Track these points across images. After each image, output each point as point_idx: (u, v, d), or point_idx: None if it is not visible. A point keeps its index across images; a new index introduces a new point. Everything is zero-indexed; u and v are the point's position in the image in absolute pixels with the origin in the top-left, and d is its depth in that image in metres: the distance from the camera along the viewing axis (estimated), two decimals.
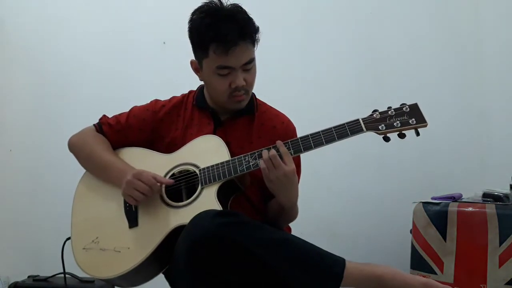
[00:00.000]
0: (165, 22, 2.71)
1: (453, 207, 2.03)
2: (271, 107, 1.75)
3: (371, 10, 2.66)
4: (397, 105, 1.45)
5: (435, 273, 2.03)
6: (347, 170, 2.62)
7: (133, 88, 2.69)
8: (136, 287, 1.59)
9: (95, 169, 1.67)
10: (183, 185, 1.56)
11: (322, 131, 1.45)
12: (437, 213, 2.05)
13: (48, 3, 2.86)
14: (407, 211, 2.18)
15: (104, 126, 1.70)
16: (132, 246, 1.50)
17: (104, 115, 1.75)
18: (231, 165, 1.50)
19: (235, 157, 1.51)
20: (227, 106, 1.63)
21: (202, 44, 1.53)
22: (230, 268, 1.34)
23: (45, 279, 2.33)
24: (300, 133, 1.62)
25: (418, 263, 2.10)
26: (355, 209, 2.60)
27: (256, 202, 1.64)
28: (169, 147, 1.64)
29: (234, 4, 1.57)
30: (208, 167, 1.52)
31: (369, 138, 1.51)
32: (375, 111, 1.45)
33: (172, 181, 1.54)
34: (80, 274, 1.63)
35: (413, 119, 1.41)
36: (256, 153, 1.49)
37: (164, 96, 1.75)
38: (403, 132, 1.42)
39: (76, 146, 1.72)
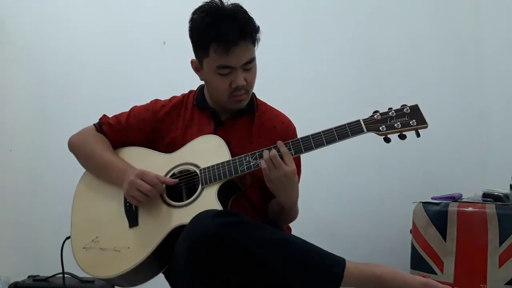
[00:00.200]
0: (165, 22, 2.71)
1: (453, 207, 2.03)
2: (271, 107, 1.75)
3: (371, 10, 2.66)
4: (398, 106, 1.45)
5: (435, 273, 2.03)
6: (347, 170, 2.63)
7: (133, 88, 2.69)
8: (136, 287, 1.59)
9: (96, 168, 1.67)
10: (183, 185, 1.56)
11: (323, 131, 1.45)
12: (437, 213, 2.06)
13: (48, 3, 2.85)
14: (407, 211, 2.19)
15: (104, 126, 1.70)
16: (132, 246, 1.51)
17: (104, 115, 1.75)
18: (231, 165, 1.50)
19: (236, 157, 1.51)
20: (228, 106, 1.63)
21: (202, 44, 1.54)
22: (230, 268, 1.35)
23: (45, 279, 2.33)
24: (300, 133, 1.62)
25: (418, 263, 2.10)
26: (355, 209, 2.60)
27: (256, 202, 1.64)
28: (169, 147, 1.64)
29: (234, 3, 1.57)
30: (208, 167, 1.52)
31: (369, 139, 1.51)
32: (375, 112, 1.45)
33: (176, 180, 1.54)
34: (80, 274, 1.63)
35: (414, 120, 1.41)
36: (257, 153, 1.49)
37: (164, 96, 1.75)
38: (403, 133, 1.42)
39: (76, 146, 1.72)
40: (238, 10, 1.55)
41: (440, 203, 2.07)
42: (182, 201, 1.52)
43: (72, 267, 1.68)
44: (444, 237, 2.03)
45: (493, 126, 2.53)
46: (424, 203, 2.11)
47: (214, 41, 1.50)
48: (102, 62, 2.79)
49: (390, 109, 1.45)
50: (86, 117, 1.78)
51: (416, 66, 2.61)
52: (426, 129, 1.42)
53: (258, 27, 1.56)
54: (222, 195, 1.49)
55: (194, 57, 1.63)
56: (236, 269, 1.35)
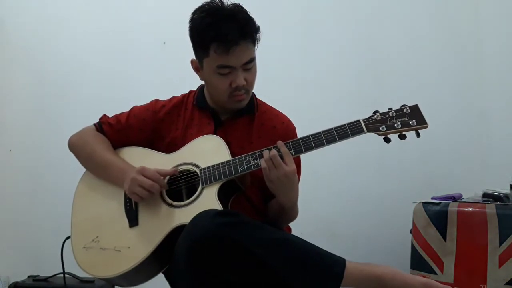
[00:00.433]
0: (165, 22, 2.71)
1: (453, 207, 2.03)
2: (271, 107, 1.75)
3: (371, 10, 2.66)
4: (398, 106, 1.45)
5: (435, 273, 2.03)
6: (347, 170, 2.63)
7: (133, 88, 2.69)
8: (136, 286, 1.59)
9: (96, 168, 1.67)
10: (183, 185, 1.56)
11: (323, 131, 1.46)
12: (437, 213, 2.06)
13: (48, 3, 2.85)
14: (407, 211, 2.19)
15: (105, 126, 1.70)
16: (133, 246, 1.51)
17: (104, 115, 1.75)
18: (231, 165, 1.50)
19: (236, 157, 1.51)
20: (228, 106, 1.63)
21: (202, 44, 1.54)
22: (230, 268, 1.35)
23: (45, 279, 2.33)
24: (300, 133, 1.62)
25: (418, 263, 2.10)
26: (355, 209, 2.60)
27: (256, 202, 1.64)
28: (169, 147, 1.64)
29: (234, 3, 1.57)
30: (208, 167, 1.52)
31: (369, 139, 1.51)
32: (375, 112, 1.45)
33: (176, 170, 1.54)
34: (80, 274, 1.63)
35: (414, 120, 1.41)
36: (257, 153, 1.49)
37: (164, 96, 1.75)
38: (403, 133, 1.42)
39: (76, 146, 1.72)
40: (238, 10, 1.55)
41: (440, 203, 2.07)
42: (182, 201, 1.52)
43: (72, 267, 1.68)
44: (444, 237, 2.03)
45: (493, 126, 2.53)
46: (424, 203, 2.11)
47: (214, 41, 1.50)
48: (102, 62, 2.79)
49: (390, 109, 1.45)
50: (86, 117, 1.78)
51: (416, 66, 2.61)
52: (426, 129, 1.42)
53: (258, 27, 1.56)
54: (222, 195, 1.49)
55: (194, 57, 1.63)
56: (236, 269, 1.35)
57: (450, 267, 2.01)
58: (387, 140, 1.44)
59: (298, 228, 1.72)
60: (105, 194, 1.63)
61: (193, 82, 1.71)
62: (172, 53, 2.67)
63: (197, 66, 1.63)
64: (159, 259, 1.49)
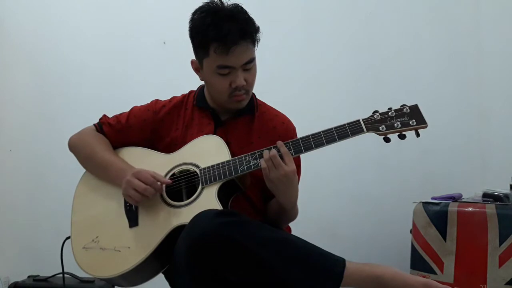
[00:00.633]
0: (165, 22, 2.71)
1: (453, 207, 2.03)
2: (271, 107, 1.75)
3: (371, 10, 2.66)
4: (397, 106, 1.45)
5: (435, 273, 2.03)
6: (347, 170, 2.63)
7: (133, 88, 2.69)
8: (136, 286, 1.59)
9: (96, 168, 1.67)
10: (183, 185, 1.56)
11: (323, 131, 1.46)
12: (437, 213, 2.06)
13: (48, 3, 2.85)
14: (407, 211, 2.19)
15: (105, 126, 1.70)
16: (132, 246, 1.50)
17: (104, 115, 1.75)
18: (231, 165, 1.50)
19: (236, 157, 1.51)
20: (227, 106, 1.63)
21: (202, 44, 1.54)
22: (230, 267, 1.34)
23: (45, 279, 2.33)
24: (300, 133, 1.62)
25: (418, 263, 2.10)
26: (355, 209, 2.60)
27: (256, 202, 1.64)
28: (169, 147, 1.64)
29: (234, 4, 1.57)
30: (208, 167, 1.52)
31: (369, 139, 1.51)
32: (375, 112, 1.45)
33: (170, 181, 1.54)
34: (80, 274, 1.63)
35: (414, 120, 1.41)
36: (257, 153, 1.49)
37: (164, 96, 1.75)
38: (403, 133, 1.42)
39: (76, 146, 1.72)
40: (238, 10, 1.55)
41: (440, 203, 2.07)
42: (182, 201, 1.52)
43: (72, 267, 1.68)
44: (444, 237, 2.03)
45: (493, 126, 2.53)
46: (424, 203, 2.12)
47: (214, 41, 1.50)
48: (102, 62, 2.79)
49: (390, 109, 1.45)
50: (86, 117, 1.79)
51: (416, 66, 2.61)
52: (425, 129, 1.42)
53: (258, 27, 1.56)
54: (222, 195, 1.49)
55: (194, 57, 1.63)
56: (236, 269, 1.35)
57: (450, 267, 2.01)
58: (387, 140, 1.44)
59: (298, 228, 1.71)
60: (105, 194, 1.63)
61: (193, 82, 1.71)
62: (172, 53, 2.67)
63: (197, 66, 1.63)
64: (159, 259, 1.49)
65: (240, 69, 1.54)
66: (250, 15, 1.56)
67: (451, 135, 2.54)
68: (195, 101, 1.70)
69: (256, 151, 1.50)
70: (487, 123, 2.54)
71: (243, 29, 1.50)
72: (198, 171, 1.54)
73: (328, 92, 2.65)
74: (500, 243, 1.92)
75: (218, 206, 1.45)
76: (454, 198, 2.10)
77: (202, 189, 1.51)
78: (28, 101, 2.86)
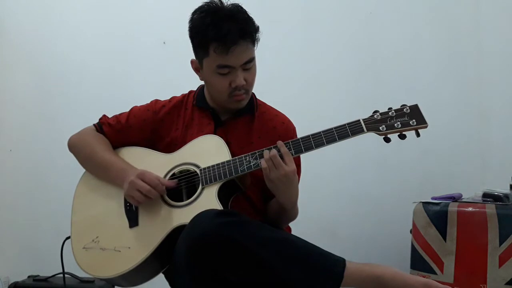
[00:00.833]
0: (165, 22, 2.71)
1: (453, 207, 2.03)
2: (271, 107, 1.75)
3: (371, 10, 2.66)
4: (398, 106, 1.45)
5: (435, 273, 2.03)
6: (347, 170, 2.63)
7: (133, 88, 2.69)
8: (136, 286, 1.59)
9: (96, 168, 1.67)
10: (183, 185, 1.56)
11: (323, 131, 1.46)
12: (437, 213, 2.06)
13: (48, 3, 2.85)
14: (407, 211, 2.19)
15: (104, 126, 1.70)
16: (133, 246, 1.51)
17: (104, 115, 1.74)
18: (231, 165, 1.50)
19: (236, 157, 1.51)
20: (227, 106, 1.63)
21: (202, 44, 1.54)
22: (230, 267, 1.34)
23: (45, 279, 2.33)
24: (300, 133, 1.62)
25: (418, 263, 2.10)
26: (355, 209, 2.60)
27: (256, 202, 1.64)
28: (169, 147, 1.64)
29: (234, 3, 1.57)
30: (208, 167, 1.52)
31: (369, 139, 1.51)
32: (375, 112, 1.45)
33: (175, 182, 1.54)
34: (80, 274, 1.63)
35: (414, 120, 1.41)
36: (257, 153, 1.49)
37: (164, 96, 1.75)
38: (403, 133, 1.42)
39: (76, 146, 1.72)
40: (238, 10, 1.55)
41: (440, 203, 2.07)
42: (182, 201, 1.52)
43: (72, 267, 1.68)
44: (444, 237, 2.03)
45: (493, 126, 2.53)
46: (424, 203, 2.12)
47: (214, 41, 1.50)
48: (102, 62, 2.79)
49: (390, 109, 1.45)
50: (86, 117, 1.79)
51: (416, 66, 2.61)
52: (426, 129, 1.42)
53: (258, 27, 1.56)
54: (222, 195, 1.49)
55: (194, 57, 1.63)
56: (236, 269, 1.35)
57: (450, 267, 2.01)
58: (387, 140, 1.44)
59: (299, 228, 1.71)
60: (105, 194, 1.63)
61: (193, 82, 1.71)
62: (172, 53, 2.67)
63: (197, 66, 1.63)
64: (159, 259, 1.49)
65: (239, 68, 1.54)
66: (250, 15, 1.56)
67: (451, 135, 2.54)
68: (195, 101, 1.70)
69: (256, 151, 1.50)
70: (487, 123, 2.54)
71: (242, 29, 1.50)
72: (198, 171, 1.54)
73: (328, 92, 2.65)
74: (500, 243, 1.92)
75: (218, 206, 1.45)
76: (454, 198, 2.10)
77: (202, 189, 1.51)
78: (28, 101, 2.86)
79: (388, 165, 2.59)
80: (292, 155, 1.46)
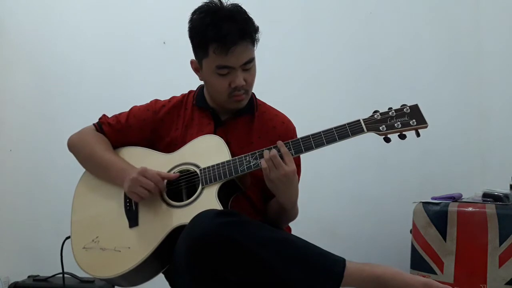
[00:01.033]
0: (165, 22, 2.71)
1: (453, 207, 2.03)
2: (271, 107, 1.75)
3: (371, 10, 2.66)
4: (398, 106, 1.45)
5: (435, 273, 2.03)
6: (347, 170, 2.63)
7: (133, 88, 2.69)
8: (136, 286, 1.59)
9: (96, 168, 1.67)
10: (183, 185, 1.56)
11: (323, 131, 1.45)
12: (437, 213, 2.06)
13: (48, 3, 2.85)
14: (407, 211, 2.19)
15: (104, 126, 1.70)
16: (133, 246, 1.51)
17: (104, 115, 1.75)
18: (231, 165, 1.50)
19: (236, 157, 1.51)
20: (227, 106, 1.63)
21: (202, 44, 1.54)
22: (230, 267, 1.34)
23: (45, 279, 2.33)
24: (300, 133, 1.62)
25: (418, 263, 2.10)
26: (355, 209, 2.60)
27: (256, 202, 1.64)
28: (169, 147, 1.64)
29: (234, 4, 1.57)
30: (208, 167, 1.52)
31: (370, 139, 1.51)
32: (375, 111, 1.45)
33: (177, 175, 1.54)
34: (80, 274, 1.63)
35: (414, 120, 1.41)
36: (257, 153, 1.49)
37: (164, 96, 1.75)
38: (403, 133, 1.42)
39: (76, 146, 1.72)
40: (238, 11, 1.55)
41: (440, 203, 2.07)
42: (182, 201, 1.52)
43: (72, 267, 1.68)
44: (444, 237, 2.03)
45: (493, 126, 2.53)
46: (424, 203, 2.12)
47: (213, 41, 1.50)
48: (102, 62, 2.79)
49: (390, 109, 1.45)
50: (86, 117, 1.78)
51: (416, 66, 2.61)
52: (426, 129, 1.42)
53: (258, 27, 1.56)
54: (222, 195, 1.49)
55: (193, 57, 1.63)
56: (236, 269, 1.35)
57: (450, 267, 2.01)
58: (387, 140, 1.44)
59: (298, 228, 1.71)
60: (105, 194, 1.63)
61: (193, 82, 1.71)
62: (172, 53, 2.67)
63: (197, 67, 1.63)
64: (159, 259, 1.49)
65: (239, 69, 1.54)
66: (250, 15, 1.56)
67: (451, 135, 2.54)
68: (194, 101, 1.70)
69: (256, 151, 1.50)
70: (487, 123, 2.54)
71: (242, 29, 1.50)
72: (198, 171, 1.54)
73: (328, 92, 2.65)
74: (500, 243, 1.92)
75: (218, 206, 1.45)
76: (454, 198, 2.10)
77: (202, 189, 1.51)
78: (28, 101, 2.86)
79: (388, 165, 2.59)
80: (292, 155, 1.46)
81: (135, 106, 1.73)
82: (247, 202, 1.62)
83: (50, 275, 2.32)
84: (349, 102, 2.59)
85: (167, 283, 1.60)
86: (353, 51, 2.66)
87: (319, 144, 1.45)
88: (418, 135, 1.43)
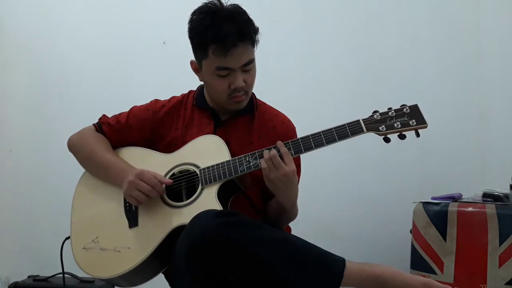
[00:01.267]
0: (165, 22, 2.71)
1: (453, 207, 2.03)
2: (270, 107, 1.75)
3: (371, 10, 2.66)
4: (397, 106, 1.45)
5: (435, 273, 2.03)
6: (347, 170, 2.63)
7: (133, 88, 2.69)
8: (136, 287, 1.59)
9: (96, 168, 1.67)
10: (183, 185, 1.56)
11: (323, 131, 1.45)
12: (437, 213, 2.06)
13: (48, 3, 2.85)
14: (407, 211, 2.19)
15: (104, 126, 1.70)
16: (132, 246, 1.50)
17: (104, 115, 1.74)
18: (231, 165, 1.50)
19: (236, 157, 1.51)
20: (227, 107, 1.63)
21: (201, 45, 1.53)
22: (230, 268, 1.34)
23: (45, 279, 2.33)
24: (300, 133, 1.62)
25: (418, 263, 2.10)
26: (355, 209, 2.60)
27: (256, 202, 1.64)
28: (169, 147, 1.64)
29: (234, 4, 1.56)
30: (208, 167, 1.52)
31: (369, 139, 1.51)
32: (375, 112, 1.45)
33: (171, 181, 1.54)
34: (80, 274, 1.63)
35: (414, 120, 1.41)
36: (257, 153, 1.49)
37: (164, 96, 1.75)
38: (403, 133, 1.42)
39: (76, 146, 1.72)
40: (237, 11, 1.54)
41: (440, 203, 2.07)
42: (182, 201, 1.52)
43: (72, 267, 1.68)
44: (444, 237, 2.03)
45: (493, 126, 2.53)
46: (424, 203, 2.12)
47: (212, 42, 1.49)
48: (102, 62, 2.79)
49: (389, 109, 1.45)
50: (86, 117, 1.78)
51: (416, 66, 2.61)
52: (425, 129, 1.42)
53: (257, 28, 1.55)
54: (222, 195, 1.49)
55: (193, 58, 1.62)
56: (236, 269, 1.35)
57: (450, 267, 2.01)
58: (387, 140, 1.44)
59: (298, 228, 1.71)
60: (104, 194, 1.63)
61: (193, 82, 1.71)
62: (172, 53, 2.67)
63: (197, 67, 1.62)
64: (159, 259, 1.49)
65: (239, 70, 1.53)
66: (250, 16, 1.55)
67: (451, 135, 2.54)
68: (194, 101, 1.70)
69: (256, 151, 1.49)
70: (487, 123, 2.54)
71: (242, 31, 1.50)
72: (198, 171, 1.54)
73: (328, 92, 2.65)
74: (500, 243, 1.92)
75: (218, 206, 1.45)
76: (454, 198, 2.10)
77: (202, 189, 1.51)
78: (28, 101, 2.86)
79: (388, 165, 2.59)
80: (292, 155, 1.46)
81: (135, 106, 1.72)
82: (247, 202, 1.62)
83: (50, 275, 2.32)
84: (349, 102, 2.59)
85: (167, 283, 1.60)
86: (353, 51, 2.66)
87: (319, 144, 1.45)
88: (418, 135, 1.43)
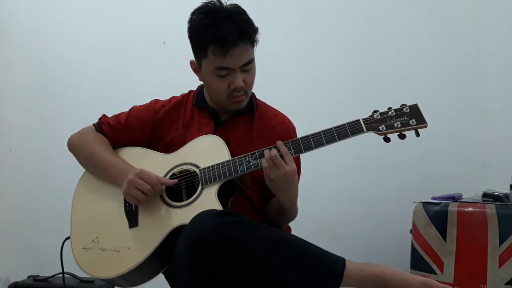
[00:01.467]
0: (165, 22, 2.71)
1: (453, 207, 2.03)
2: (270, 107, 1.75)
3: (371, 10, 2.66)
4: (397, 106, 1.45)
5: (435, 273, 2.03)
6: (347, 170, 2.63)
7: (133, 88, 2.69)
8: (136, 287, 1.59)
9: (96, 168, 1.67)
10: (183, 185, 1.56)
11: (323, 131, 1.45)
12: (437, 213, 2.06)
13: (48, 3, 2.85)
14: (407, 211, 2.19)
15: (104, 126, 1.70)
16: (132, 246, 1.50)
17: (104, 115, 1.74)
18: (231, 165, 1.50)
19: (236, 157, 1.51)
20: (227, 107, 1.63)
21: (201, 45, 1.53)
22: (230, 267, 1.34)
23: (45, 279, 2.33)
24: (300, 133, 1.62)
25: (418, 263, 2.10)
26: (355, 209, 2.60)
27: (256, 202, 1.64)
28: (169, 147, 1.64)
29: (233, 4, 1.56)
30: (208, 167, 1.52)
31: (369, 138, 1.51)
32: (375, 111, 1.45)
33: (175, 181, 1.54)
34: (80, 274, 1.64)
35: (413, 120, 1.41)
36: (257, 153, 1.49)
37: (164, 96, 1.75)
38: (403, 132, 1.42)
39: (76, 146, 1.72)
40: (237, 11, 1.54)
41: (440, 203, 2.07)
42: (182, 201, 1.52)
43: (72, 267, 1.68)
44: (444, 237, 2.03)
45: (493, 126, 2.53)
46: (424, 203, 2.12)
47: (212, 42, 1.49)
48: (102, 62, 2.79)
49: (389, 108, 1.45)
50: (86, 117, 1.78)
51: (416, 66, 2.61)
52: (425, 128, 1.42)
53: (257, 28, 1.55)
54: (222, 195, 1.49)
55: (193, 58, 1.62)
56: (236, 269, 1.35)
57: (450, 267, 2.01)
58: (387, 139, 1.44)
59: (298, 228, 1.71)
60: (104, 194, 1.63)
61: (193, 82, 1.71)
62: (172, 53, 2.67)
63: (196, 67, 1.62)
64: (159, 259, 1.49)
65: (238, 70, 1.53)
66: (249, 16, 1.55)
67: (451, 135, 2.54)
68: (194, 101, 1.69)
69: (256, 151, 1.50)
70: (487, 123, 2.54)
71: (241, 31, 1.50)
72: (198, 171, 1.54)
73: (328, 92, 2.65)
74: (500, 243, 1.92)
75: (218, 206, 1.45)
76: (454, 198, 2.10)
77: (202, 189, 1.51)
78: (28, 101, 2.86)
79: (388, 165, 2.59)
80: (292, 155, 1.46)
81: (135, 106, 1.72)
82: (247, 202, 1.62)
83: (50, 275, 2.32)
84: (349, 102, 2.59)
85: (167, 283, 1.60)
86: (353, 51, 2.66)
87: (319, 144, 1.45)
88: (417, 135, 1.43)
